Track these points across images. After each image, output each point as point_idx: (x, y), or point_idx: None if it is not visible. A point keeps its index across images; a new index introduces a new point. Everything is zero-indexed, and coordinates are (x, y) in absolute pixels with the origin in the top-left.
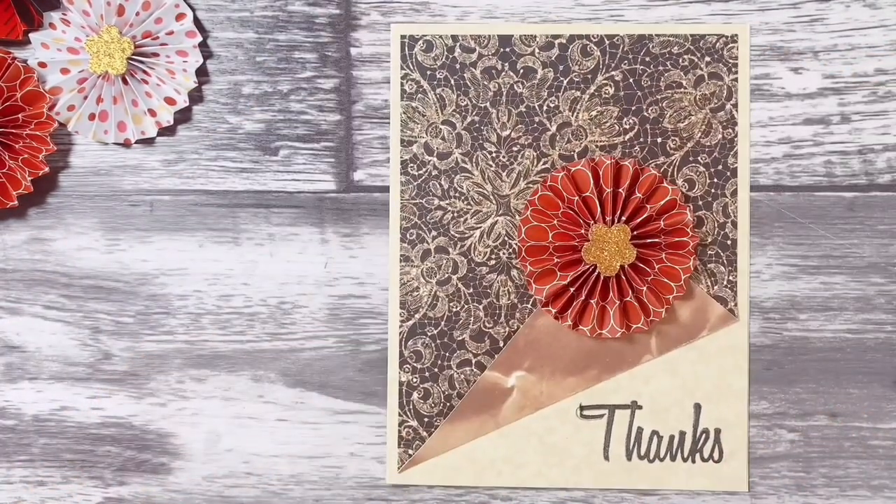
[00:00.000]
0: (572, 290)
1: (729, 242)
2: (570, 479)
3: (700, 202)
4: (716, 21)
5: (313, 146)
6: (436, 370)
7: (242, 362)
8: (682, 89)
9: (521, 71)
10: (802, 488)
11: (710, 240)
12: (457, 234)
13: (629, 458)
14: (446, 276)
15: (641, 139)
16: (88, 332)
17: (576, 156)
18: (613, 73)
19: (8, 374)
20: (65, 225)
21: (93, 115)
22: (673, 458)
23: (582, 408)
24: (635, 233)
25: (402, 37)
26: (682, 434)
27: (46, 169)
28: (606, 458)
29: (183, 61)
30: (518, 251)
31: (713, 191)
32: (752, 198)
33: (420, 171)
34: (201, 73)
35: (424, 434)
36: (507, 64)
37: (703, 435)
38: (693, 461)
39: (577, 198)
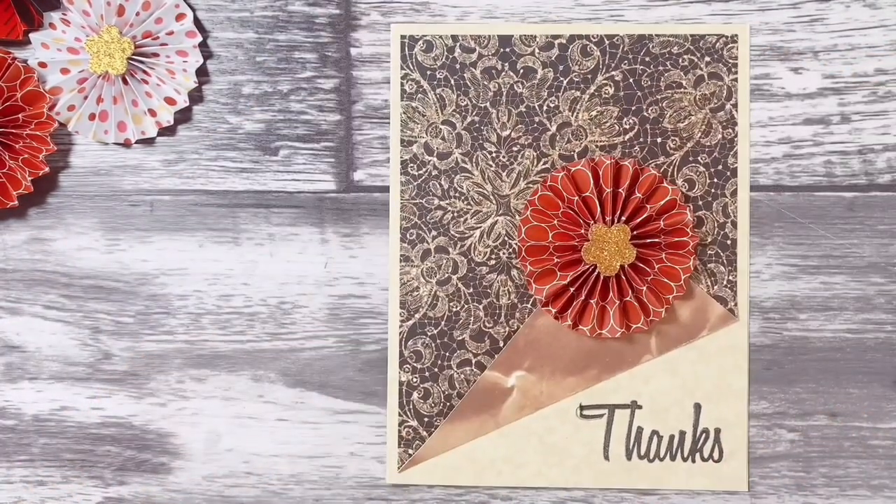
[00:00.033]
0: (572, 290)
1: (729, 242)
2: (570, 479)
3: (700, 202)
4: (716, 21)
5: (313, 146)
6: (436, 370)
7: (242, 362)
8: (682, 89)
9: (521, 71)
10: (802, 488)
11: (710, 240)
12: (457, 234)
13: (629, 457)
14: (446, 275)
15: (641, 139)
16: (88, 332)
17: (576, 156)
18: (613, 73)
19: (8, 374)
20: (65, 225)
21: (93, 115)
22: (673, 458)
23: (582, 408)
24: (635, 233)
25: (402, 37)
26: (682, 434)
27: (46, 169)
28: (606, 457)
29: (183, 61)
30: (518, 251)
31: (713, 191)
32: (752, 198)
33: (420, 171)
34: (201, 73)
35: (424, 434)
36: (507, 64)
37: (703, 435)
38: (693, 461)
39: (577, 198)
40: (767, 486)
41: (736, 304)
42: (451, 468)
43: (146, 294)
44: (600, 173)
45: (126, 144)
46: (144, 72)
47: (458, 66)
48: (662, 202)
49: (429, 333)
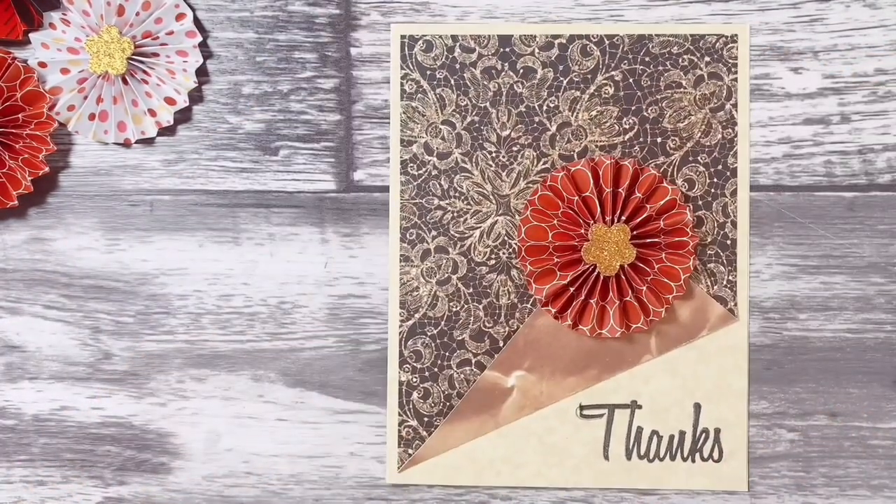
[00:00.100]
0: (572, 289)
1: (729, 242)
2: (570, 479)
3: (700, 202)
4: (716, 21)
5: (313, 146)
6: (436, 370)
7: (242, 362)
8: (682, 89)
9: (521, 71)
10: (802, 488)
11: (709, 240)
12: (457, 234)
13: (629, 457)
14: (446, 275)
15: (641, 139)
16: (88, 332)
17: (576, 156)
18: (613, 73)
19: (8, 374)
20: (65, 225)
21: (93, 115)
22: (673, 458)
23: (582, 407)
24: (635, 233)
25: (402, 37)
26: (682, 434)
27: (46, 169)
28: (606, 457)
29: (183, 61)
30: (518, 251)
31: (713, 191)
32: (752, 198)
33: (420, 171)
34: (201, 73)
35: (424, 434)
36: (507, 64)
37: (703, 435)
38: (693, 461)
39: (576, 198)
40: (767, 486)
41: (736, 304)
42: (451, 468)
43: (146, 294)
44: (600, 173)
45: (126, 144)
46: (144, 72)
47: (458, 66)
48: (662, 202)
49: (429, 333)
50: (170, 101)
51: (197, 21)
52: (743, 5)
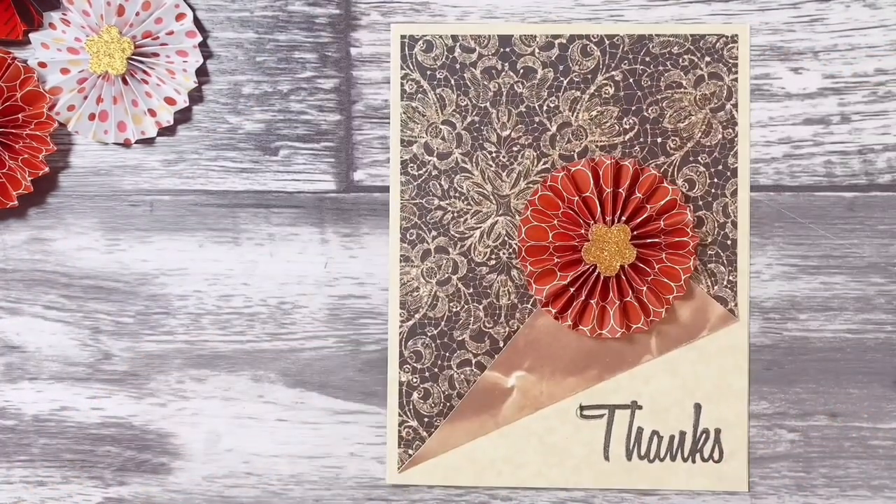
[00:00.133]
0: (572, 290)
1: (729, 242)
2: (570, 479)
3: (700, 202)
4: (716, 21)
5: (313, 146)
6: (436, 370)
7: (242, 362)
8: (682, 89)
9: (521, 71)
10: (802, 488)
11: (710, 240)
12: (457, 234)
13: (629, 458)
14: (446, 276)
15: (641, 139)
16: (88, 332)
17: (576, 156)
18: (613, 73)
19: (8, 374)
20: (65, 225)
21: (93, 115)
22: (673, 458)
23: (582, 408)
24: (635, 233)
25: (402, 37)
26: (682, 434)
27: (46, 169)
28: (606, 458)
29: (183, 61)
30: (518, 251)
31: (713, 191)
32: (752, 198)
33: (420, 171)
34: (201, 73)
35: (424, 434)
36: (507, 64)
37: (703, 435)
38: (693, 461)
39: (577, 198)
40: (767, 487)
41: (736, 305)
42: (451, 468)
43: (146, 294)
44: (600, 173)
45: (126, 144)
46: (144, 72)
47: (458, 66)
48: (662, 202)
49: (429, 334)
50: (170, 101)
51: (197, 21)
52: (743, 5)
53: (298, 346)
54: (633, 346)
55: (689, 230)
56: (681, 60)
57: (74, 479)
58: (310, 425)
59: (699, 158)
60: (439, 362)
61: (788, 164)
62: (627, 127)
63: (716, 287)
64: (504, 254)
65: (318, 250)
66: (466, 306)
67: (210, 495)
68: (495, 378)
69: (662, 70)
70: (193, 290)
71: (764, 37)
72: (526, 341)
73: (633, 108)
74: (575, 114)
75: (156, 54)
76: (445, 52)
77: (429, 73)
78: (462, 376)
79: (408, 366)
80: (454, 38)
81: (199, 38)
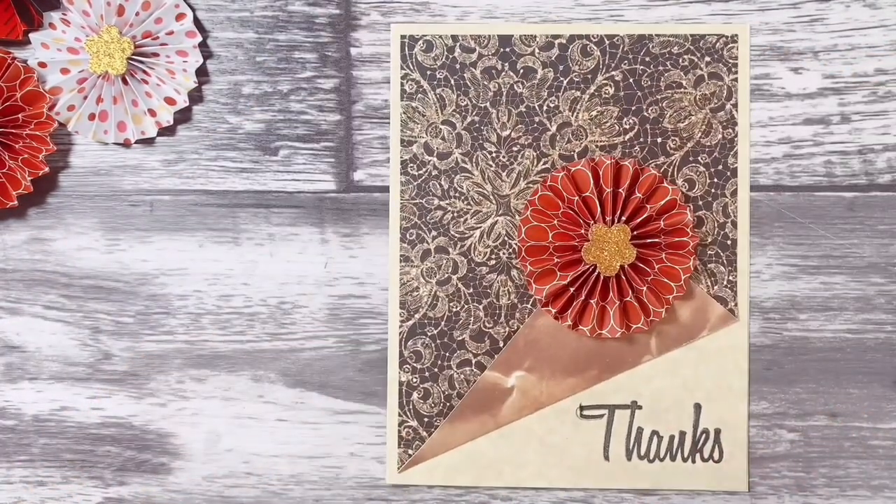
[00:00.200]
0: (572, 290)
1: (729, 242)
2: (570, 479)
3: (700, 202)
4: (716, 21)
5: (313, 146)
6: (436, 370)
7: (242, 362)
8: (682, 89)
9: (521, 71)
10: (802, 488)
11: (710, 240)
12: (457, 234)
13: (629, 458)
14: (446, 276)
15: (641, 139)
16: (88, 332)
17: (576, 156)
18: (613, 73)
19: (8, 374)
20: (65, 225)
21: (93, 115)
22: (673, 459)
23: (582, 408)
24: (635, 233)
25: (402, 37)
26: (682, 434)
27: (46, 169)
28: (606, 458)
29: (183, 61)
30: (518, 251)
31: (713, 191)
32: (752, 198)
33: (420, 171)
34: (201, 73)
35: (424, 434)
36: (507, 64)
37: (703, 435)
38: (693, 461)
39: (577, 198)
40: (767, 487)
41: (736, 304)
42: (451, 468)
43: (146, 294)
44: (600, 173)
45: (126, 144)
46: (144, 72)
47: (458, 66)
48: (662, 202)
49: (429, 333)
50: (170, 101)
51: (197, 21)
52: (743, 5)
53: (298, 346)
54: (633, 346)
55: (689, 230)
56: (681, 60)
57: (74, 479)
58: (310, 425)
59: (699, 158)
60: (439, 362)
61: (788, 164)
62: (627, 127)
63: (716, 287)
64: (504, 254)
65: (318, 250)
66: (466, 306)
67: (210, 495)
68: (495, 378)
69: (662, 70)
70: (193, 290)
71: (764, 37)
72: (526, 341)
73: (633, 108)
74: (575, 114)
75: (156, 54)
76: (445, 52)
77: (429, 73)
78: (462, 376)
79: (408, 366)
80: (454, 38)
81: (199, 38)
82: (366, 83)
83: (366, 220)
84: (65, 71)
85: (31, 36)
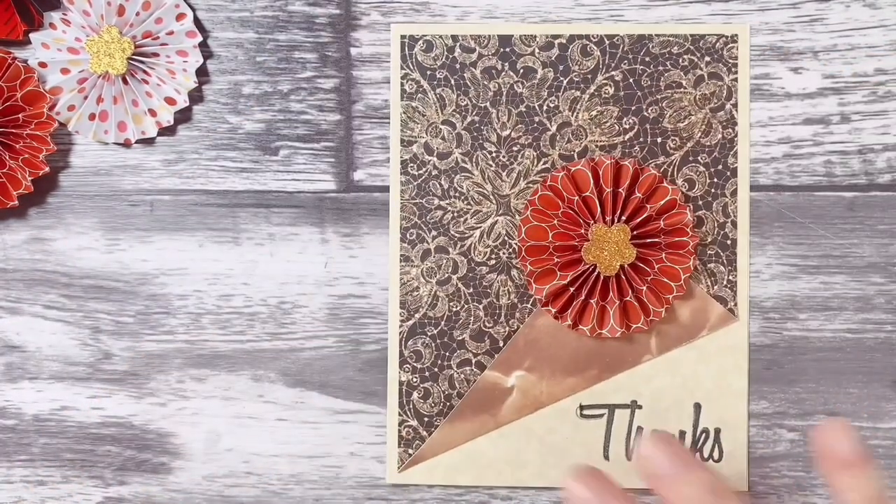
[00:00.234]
0: (572, 289)
1: (729, 242)
2: None
3: (700, 202)
4: (716, 21)
5: (313, 146)
6: (436, 370)
7: (242, 362)
8: (682, 89)
9: (521, 71)
10: (802, 488)
11: (710, 240)
12: (457, 234)
13: (629, 457)
14: (446, 275)
15: (641, 139)
16: (88, 332)
17: (576, 156)
18: (613, 73)
19: (8, 374)
20: (65, 225)
21: (93, 115)
22: None
23: (582, 407)
24: (635, 233)
25: (402, 37)
26: (682, 434)
27: (46, 169)
28: (606, 457)
29: (183, 61)
30: (518, 251)
31: (713, 191)
32: (752, 198)
33: (420, 171)
34: (201, 73)
35: (424, 434)
36: (507, 64)
37: (703, 434)
38: None
39: (577, 198)
40: (767, 487)
41: (736, 304)
42: (451, 468)
43: (146, 294)
44: (600, 173)
45: (126, 144)
46: (144, 72)
47: (458, 66)
48: (662, 202)
49: (429, 333)
50: (170, 101)
51: (197, 21)
52: (743, 5)
53: (298, 345)
54: (632, 346)
55: (688, 230)
56: (681, 60)
57: (75, 478)
58: (310, 425)
59: (699, 158)
60: (439, 362)
61: (788, 163)
62: (627, 127)
63: (716, 287)
64: (504, 254)
65: (318, 250)
66: (466, 306)
67: (210, 495)
68: (495, 378)
69: (662, 70)
70: (193, 289)
71: (764, 37)
72: (526, 341)
73: (633, 108)
74: (575, 114)
75: (156, 54)
76: (445, 52)
77: (429, 73)
78: (462, 376)
79: (408, 365)
80: (454, 38)
81: (199, 38)
82: (366, 83)
83: (366, 219)
84: (65, 71)
85: (32, 36)
